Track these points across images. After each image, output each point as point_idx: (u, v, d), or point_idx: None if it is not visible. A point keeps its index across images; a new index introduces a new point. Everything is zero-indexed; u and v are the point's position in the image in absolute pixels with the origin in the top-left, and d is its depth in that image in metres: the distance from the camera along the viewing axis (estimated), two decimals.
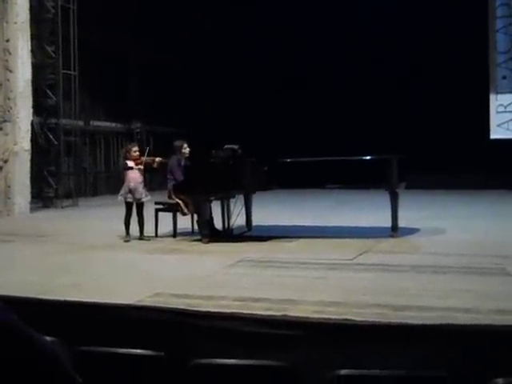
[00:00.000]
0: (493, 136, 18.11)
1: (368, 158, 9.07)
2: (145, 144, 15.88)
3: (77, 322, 2.98)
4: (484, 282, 6.10)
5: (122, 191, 9.30)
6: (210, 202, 9.21)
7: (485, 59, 18.00)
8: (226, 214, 9.47)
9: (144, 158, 9.38)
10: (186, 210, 9.35)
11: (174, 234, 9.38)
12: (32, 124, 13.84)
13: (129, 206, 9.23)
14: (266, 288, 5.91)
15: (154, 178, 14.56)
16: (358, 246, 8.23)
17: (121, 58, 18.12)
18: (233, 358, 2.53)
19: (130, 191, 9.21)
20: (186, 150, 9.50)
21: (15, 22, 13.03)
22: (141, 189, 9.29)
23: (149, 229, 9.28)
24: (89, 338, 2.71)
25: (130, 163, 9.29)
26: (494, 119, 18.22)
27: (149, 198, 9.45)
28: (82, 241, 9.14)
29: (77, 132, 16.01)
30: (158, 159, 9.53)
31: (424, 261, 7.21)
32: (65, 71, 15.01)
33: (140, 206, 9.27)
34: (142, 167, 9.30)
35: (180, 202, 9.29)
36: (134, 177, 9.26)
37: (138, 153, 9.43)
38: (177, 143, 9.60)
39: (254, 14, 19.30)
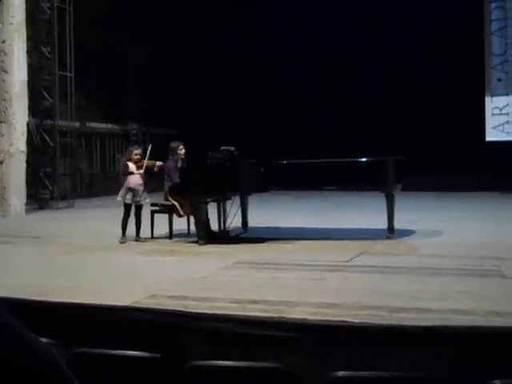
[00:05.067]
0: (488, 138, 18.15)
1: (364, 159, 9.07)
2: (141, 145, 15.83)
3: (73, 324, 2.97)
4: (481, 284, 6.10)
5: (122, 192, 9.29)
6: (207, 203, 9.20)
7: (480, 62, 18.04)
8: (223, 215, 9.45)
9: (145, 162, 9.37)
10: (181, 212, 9.33)
11: (170, 236, 9.37)
12: (28, 125, 13.80)
13: (127, 207, 9.21)
14: (263, 290, 5.89)
15: (150, 180, 14.53)
16: (355, 248, 8.23)
17: (117, 59, 18.08)
18: (229, 360, 2.52)
19: (130, 193, 9.19)
20: (182, 151, 9.46)
21: (11, 23, 13.00)
22: (141, 191, 9.27)
23: (144, 230, 9.26)
24: (85, 339, 2.70)
25: (132, 167, 9.29)
26: (490, 121, 18.26)
27: (148, 200, 9.44)
28: (78, 242, 9.12)
29: (73, 133, 15.97)
30: (158, 163, 9.51)
31: (420, 263, 7.21)
32: (61, 72, 14.98)
33: (138, 208, 9.26)
34: (142, 172, 9.28)
35: (176, 203, 9.27)
36: (135, 179, 9.26)
37: (139, 156, 9.43)
38: (172, 144, 9.58)
39: (252, 17, 19.29)
